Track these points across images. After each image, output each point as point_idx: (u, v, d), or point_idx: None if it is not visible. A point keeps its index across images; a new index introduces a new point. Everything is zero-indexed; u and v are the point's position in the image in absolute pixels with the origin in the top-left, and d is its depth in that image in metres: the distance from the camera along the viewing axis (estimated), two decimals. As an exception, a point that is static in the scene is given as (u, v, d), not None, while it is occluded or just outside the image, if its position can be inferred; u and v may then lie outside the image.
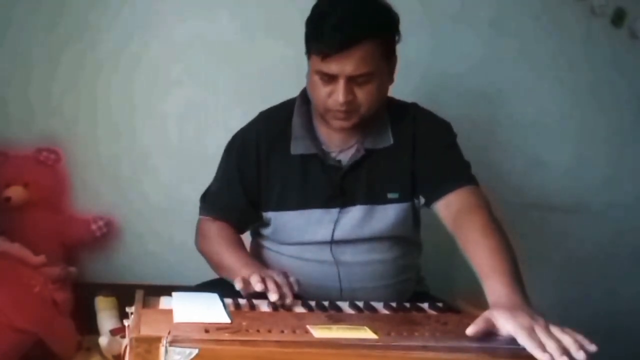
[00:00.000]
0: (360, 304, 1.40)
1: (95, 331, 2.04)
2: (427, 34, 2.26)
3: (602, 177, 2.41)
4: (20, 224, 2.11)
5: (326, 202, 1.59)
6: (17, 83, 2.20)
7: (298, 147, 1.60)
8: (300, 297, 1.39)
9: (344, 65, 1.45)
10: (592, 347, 1.08)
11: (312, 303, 1.36)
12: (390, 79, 1.57)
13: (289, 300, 1.34)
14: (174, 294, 1.32)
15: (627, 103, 2.40)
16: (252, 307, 1.33)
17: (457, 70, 2.30)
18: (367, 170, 1.59)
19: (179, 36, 2.23)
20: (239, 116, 1.74)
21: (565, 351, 1.05)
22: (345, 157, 1.60)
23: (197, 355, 0.99)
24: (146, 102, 2.25)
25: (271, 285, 1.34)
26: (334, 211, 1.59)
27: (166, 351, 1.00)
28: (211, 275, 1.64)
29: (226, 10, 2.24)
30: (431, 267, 1.78)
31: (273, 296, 1.32)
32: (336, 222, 1.58)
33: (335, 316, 1.28)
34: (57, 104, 2.22)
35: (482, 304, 1.25)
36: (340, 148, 1.61)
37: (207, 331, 1.08)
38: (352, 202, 1.59)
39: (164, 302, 1.31)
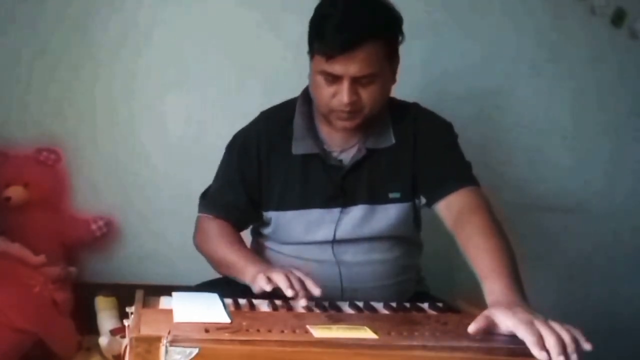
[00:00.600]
0: (360, 304, 1.40)
1: (95, 331, 2.04)
2: (427, 34, 2.26)
3: (602, 177, 2.41)
4: (20, 224, 2.11)
5: (327, 202, 1.59)
6: (17, 83, 2.20)
7: (299, 147, 1.60)
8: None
9: (348, 66, 1.45)
10: (587, 346, 1.08)
11: (312, 303, 1.36)
12: (392, 79, 1.57)
13: (317, 292, 1.35)
14: (174, 294, 1.33)
15: (627, 103, 2.40)
16: (252, 307, 1.33)
17: (457, 70, 2.30)
18: (369, 170, 1.59)
19: (179, 36, 2.23)
20: (239, 116, 1.74)
21: (563, 349, 1.06)
22: (346, 157, 1.60)
23: (197, 355, 1.00)
24: (146, 102, 2.25)
25: (296, 285, 1.35)
26: (335, 211, 1.59)
27: (166, 351, 1.00)
28: (211, 275, 1.64)
29: (226, 10, 2.23)
30: (431, 267, 1.78)
31: (303, 301, 1.33)
32: (337, 222, 1.58)
33: (335, 316, 1.28)
34: (57, 104, 2.22)
35: (482, 304, 1.25)
36: (342, 148, 1.61)
37: (207, 331, 1.08)
38: (353, 202, 1.59)
39: (164, 302, 1.31)
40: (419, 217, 1.66)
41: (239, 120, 1.72)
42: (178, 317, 1.15)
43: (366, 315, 1.33)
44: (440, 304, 1.44)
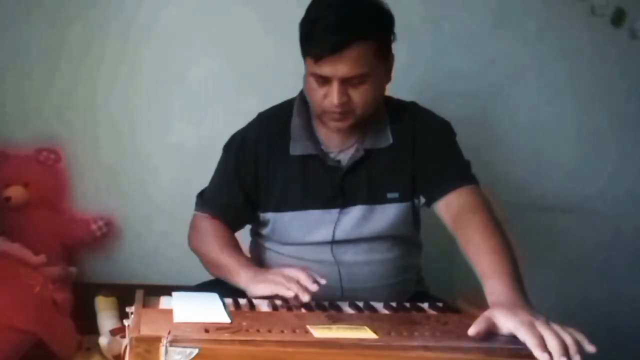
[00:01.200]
0: (360, 303, 1.40)
1: (95, 331, 2.04)
2: (427, 34, 2.26)
3: (602, 177, 2.41)
4: (20, 224, 2.11)
5: (326, 203, 1.59)
6: (16, 83, 2.20)
7: (297, 147, 1.60)
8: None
9: (337, 68, 1.45)
10: (591, 348, 1.08)
11: (312, 303, 1.36)
12: (387, 79, 1.57)
13: (314, 287, 1.35)
14: (174, 294, 1.33)
15: (627, 103, 2.40)
16: (252, 307, 1.33)
17: (457, 70, 2.30)
18: (367, 170, 1.59)
19: (179, 36, 2.23)
20: (239, 116, 1.74)
21: (565, 351, 1.06)
22: (344, 157, 1.60)
23: (197, 355, 0.99)
24: (146, 102, 2.25)
25: (295, 287, 1.35)
26: (334, 211, 1.59)
27: (166, 351, 1.00)
28: (211, 275, 1.64)
29: (227, 10, 2.23)
30: (431, 267, 1.78)
31: (305, 297, 1.33)
32: (336, 223, 1.58)
33: (335, 316, 1.28)
34: (57, 104, 2.22)
35: (482, 304, 1.25)
36: (340, 148, 1.61)
37: (207, 331, 1.08)
38: (352, 202, 1.59)
39: (164, 302, 1.31)
40: (418, 217, 1.66)
41: (238, 120, 1.72)
42: (178, 317, 1.15)
43: (366, 315, 1.33)
44: (440, 304, 1.44)
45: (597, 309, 2.32)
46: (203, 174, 1.72)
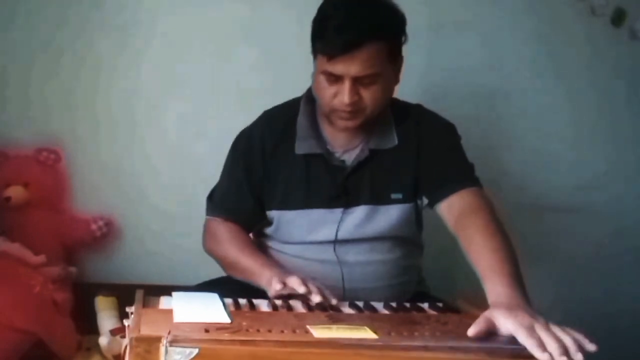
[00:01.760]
0: (360, 304, 1.40)
1: (95, 331, 2.04)
2: (428, 35, 2.26)
3: (602, 177, 2.41)
4: (20, 224, 2.11)
5: (330, 202, 1.59)
6: (16, 83, 2.20)
7: (302, 146, 1.60)
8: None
9: (349, 66, 1.45)
10: (591, 347, 1.08)
11: (312, 303, 1.36)
12: (395, 80, 1.57)
13: (334, 301, 1.37)
14: (174, 294, 1.33)
15: (627, 103, 2.40)
16: (252, 307, 1.33)
17: (457, 71, 2.30)
18: (371, 171, 1.59)
19: (179, 36, 2.23)
20: (239, 116, 1.74)
21: (565, 351, 1.06)
22: (349, 157, 1.60)
23: (197, 355, 0.99)
24: (146, 102, 2.25)
25: (314, 288, 1.36)
26: (338, 211, 1.59)
27: (166, 351, 1.00)
28: (211, 275, 1.64)
29: (227, 10, 2.23)
30: (432, 267, 1.78)
31: (316, 298, 1.34)
32: (340, 222, 1.58)
33: (335, 316, 1.28)
34: (57, 103, 2.22)
35: (482, 304, 1.25)
36: (345, 148, 1.61)
37: (207, 331, 1.08)
38: (356, 202, 1.59)
39: (164, 302, 1.31)
40: (421, 218, 1.66)
41: (239, 120, 1.72)
42: (178, 317, 1.15)
43: (366, 315, 1.33)
44: (440, 304, 1.44)
45: (597, 309, 2.32)
46: (203, 174, 1.73)
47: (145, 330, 1.06)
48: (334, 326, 1.17)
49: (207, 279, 1.64)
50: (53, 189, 2.21)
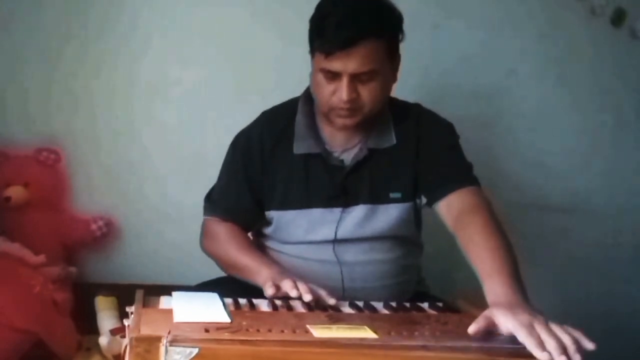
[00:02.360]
0: (360, 303, 1.40)
1: (95, 331, 2.03)
2: (427, 34, 2.26)
3: (601, 177, 2.41)
4: (20, 224, 2.11)
5: (328, 202, 1.59)
6: (16, 83, 2.20)
7: (301, 146, 1.60)
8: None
9: (347, 63, 1.46)
10: (590, 345, 1.09)
11: (312, 303, 1.36)
12: (393, 78, 1.58)
13: (333, 301, 1.37)
14: (174, 293, 1.33)
15: (627, 103, 2.40)
16: (252, 306, 1.33)
17: (457, 70, 2.30)
18: (370, 170, 1.59)
19: (179, 36, 2.23)
20: (239, 116, 1.74)
21: (564, 350, 1.06)
22: (348, 156, 1.60)
23: (197, 354, 1.00)
24: (146, 101, 2.25)
25: (303, 288, 1.36)
26: (337, 211, 1.59)
27: (166, 351, 1.00)
28: (211, 275, 1.64)
29: (227, 10, 2.23)
30: (431, 267, 1.78)
31: (307, 297, 1.34)
32: (339, 222, 1.58)
33: (335, 316, 1.28)
34: (57, 103, 2.22)
35: (482, 304, 1.25)
36: (343, 148, 1.61)
37: (207, 331, 1.08)
38: (355, 202, 1.59)
39: (164, 302, 1.31)
40: (420, 217, 1.66)
41: (238, 120, 1.72)
42: (178, 317, 1.15)
43: (366, 315, 1.33)
44: (440, 304, 1.44)
45: (596, 308, 2.32)
46: (203, 174, 1.72)
47: (145, 330, 1.06)
48: (334, 326, 1.17)
49: (207, 279, 1.63)
50: (53, 189, 2.21)
